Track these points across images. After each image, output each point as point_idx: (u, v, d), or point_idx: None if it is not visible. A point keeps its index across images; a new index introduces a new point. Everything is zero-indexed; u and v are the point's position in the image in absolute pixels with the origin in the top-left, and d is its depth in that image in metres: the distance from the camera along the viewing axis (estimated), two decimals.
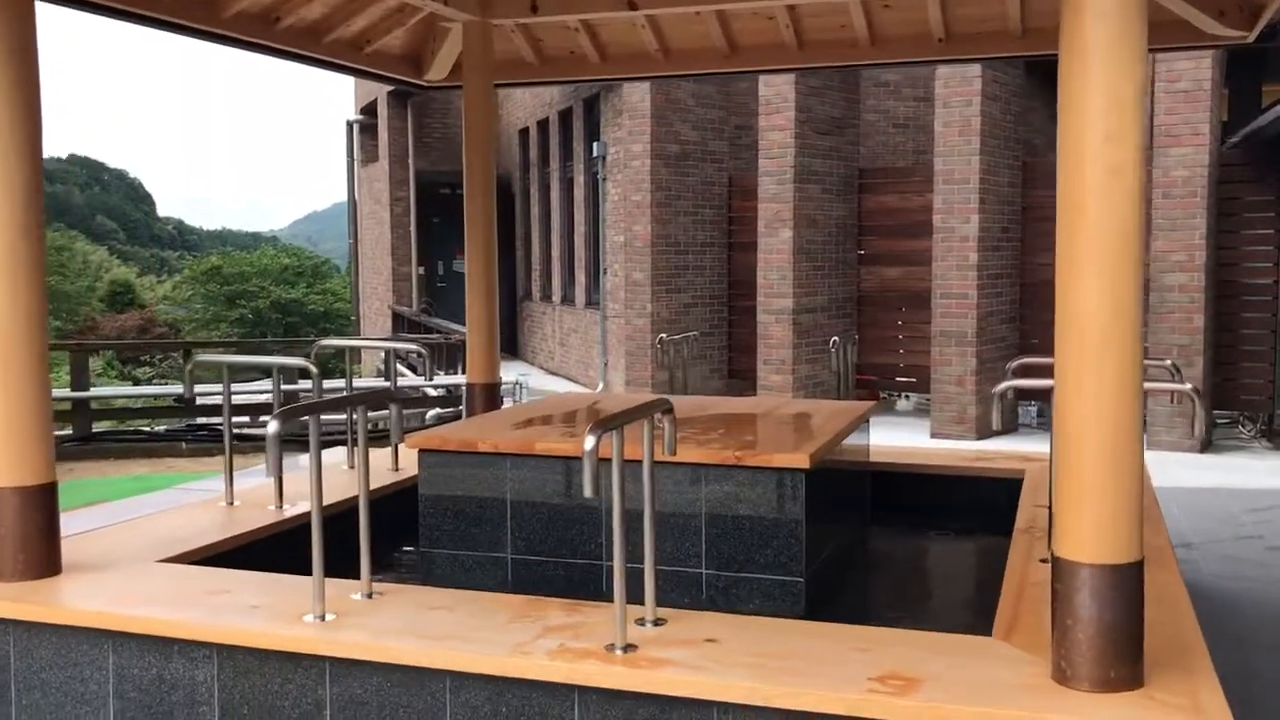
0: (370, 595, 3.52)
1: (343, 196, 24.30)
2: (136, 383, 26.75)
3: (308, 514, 4.79)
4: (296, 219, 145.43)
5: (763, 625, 3.23)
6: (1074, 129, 2.72)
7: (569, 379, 16.95)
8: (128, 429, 11.47)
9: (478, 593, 3.56)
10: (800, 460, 3.86)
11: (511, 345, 20.68)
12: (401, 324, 19.58)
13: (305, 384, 14.79)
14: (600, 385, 15.32)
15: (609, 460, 3.02)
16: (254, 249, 56.19)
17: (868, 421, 5.09)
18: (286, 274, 44.79)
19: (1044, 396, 4.74)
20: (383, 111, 21.32)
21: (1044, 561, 3.87)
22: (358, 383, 15.91)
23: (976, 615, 3.95)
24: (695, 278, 13.23)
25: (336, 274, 48.42)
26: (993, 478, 5.59)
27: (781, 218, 11.55)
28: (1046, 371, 5.86)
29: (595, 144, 15.10)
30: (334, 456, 7.28)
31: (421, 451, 4.35)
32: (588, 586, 4.15)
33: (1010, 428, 11.20)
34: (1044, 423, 11.65)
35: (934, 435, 10.72)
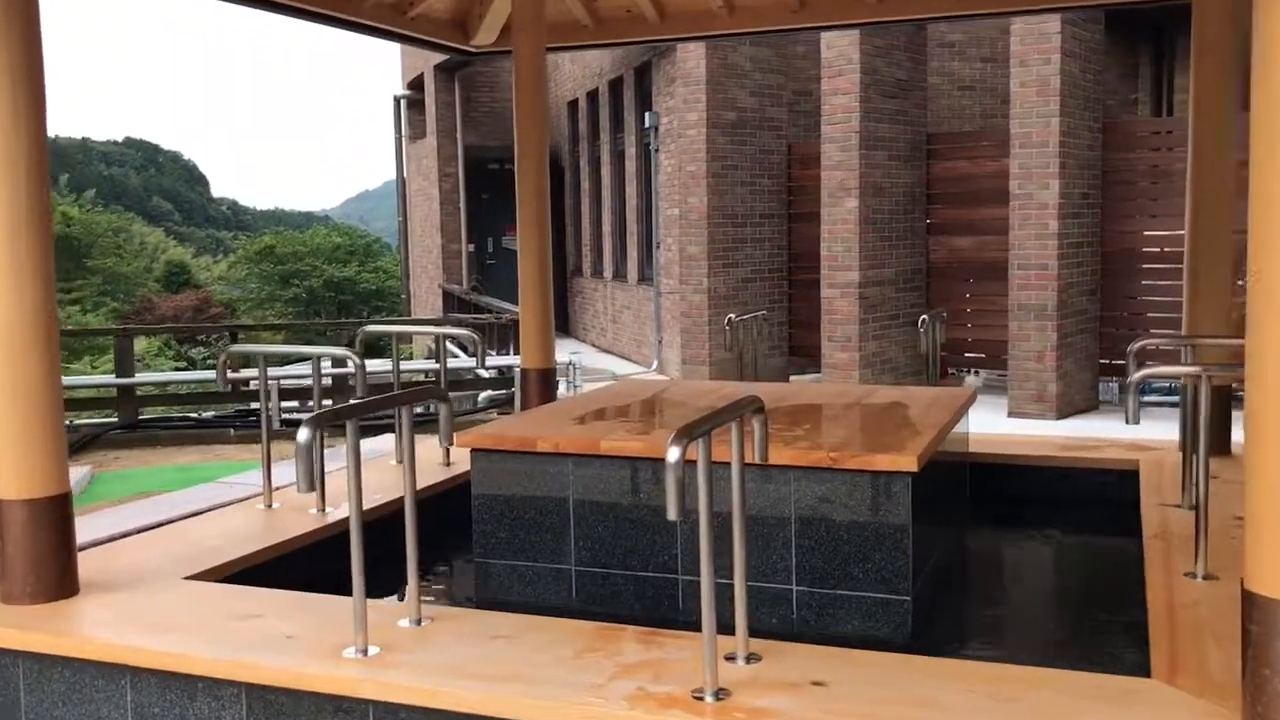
0: (419, 621, 3.09)
1: (394, 175, 23.99)
2: (191, 364, 26.75)
3: (369, 510, 4.40)
4: (348, 198, 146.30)
5: (876, 662, 2.75)
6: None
7: (622, 357, 16.51)
8: (175, 415, 11.18)
9: (541, 619, 3.12)
10: (907, 462, 3.37)
11: (563, 322, 20.27)
12: (451, 303, 19.22)
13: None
14: (654, 364, 14.86)
15: (692, 463, 2.56)
16: (306, 228, 56.50)
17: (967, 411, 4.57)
18: (339, 253, 45.01)
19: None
20: (430, 85, 20.90)
21: (1189, 577, 3.35)
22: (407, 366, 15.56)
23: (1116, 641, 3.44)
24: (754, 251, 12.69)
25: (388, 252, 48.49)
26: (1102, 469, 5.06)
27: (846, 186, 10.97)
28: (1170, 355, 5.30)
29: (647, 114, 14.57)
30: (384, 444, 6.90)
31: (474, 451, 3.91)
32: (661, 603, 3.70)
33: (1091, 405, 10.58)
34: None
35: (1011, 414, 10.14)
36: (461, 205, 20.43)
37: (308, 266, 43.50)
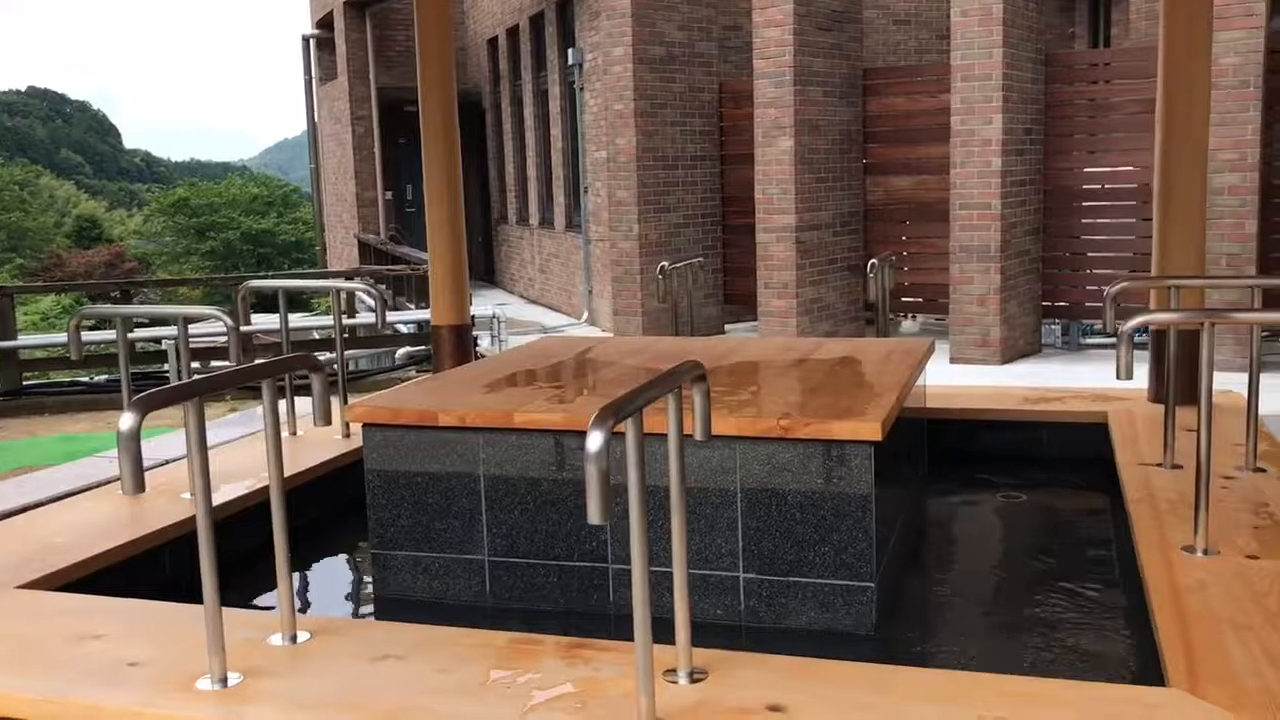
0: (294, 638, 2.56)
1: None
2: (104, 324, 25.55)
3: (233, 502, 3.84)
4: (267, 147, 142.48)
5: (845, 677, 2.28)
6: None
7: (551, 308, 15.92)
8: (64, 380, 10.37)
9: (440, 631, 2.61)
10: (869, 429, 2.89)
11: (488, 272, 19.58)
12: (368, 254, 18.41)
13: (301, 319, 13.56)
14: (584, 315, 14.31)
15: (619, 436, 2.04)
16: (224, 179, 54.76)
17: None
18: (256, 204, 44.09)
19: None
20: (339, 23, 19.85)
21: (1187, 551, 2.94)
22: (314, 321, 14.84)
23: (1114, 629, 3.02)
24: (686, 195, 12.14)
25: (307, 202, 47.33)
26: (1067, 422, 4.66)
27: (780, 124, 10.45)
28: (1146, 297, 4.89)
29: (570, 50, 13.88)
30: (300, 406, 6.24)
31: (366, 427, 3.36)
32: (589, 595, 3.20)
33: (1033, 349, 10.27)
34: (1069, 343, 10.72)
35: (954, 360, 9.78)
36: (376, 150, 19.53)
37: (224, 219, 42.50)
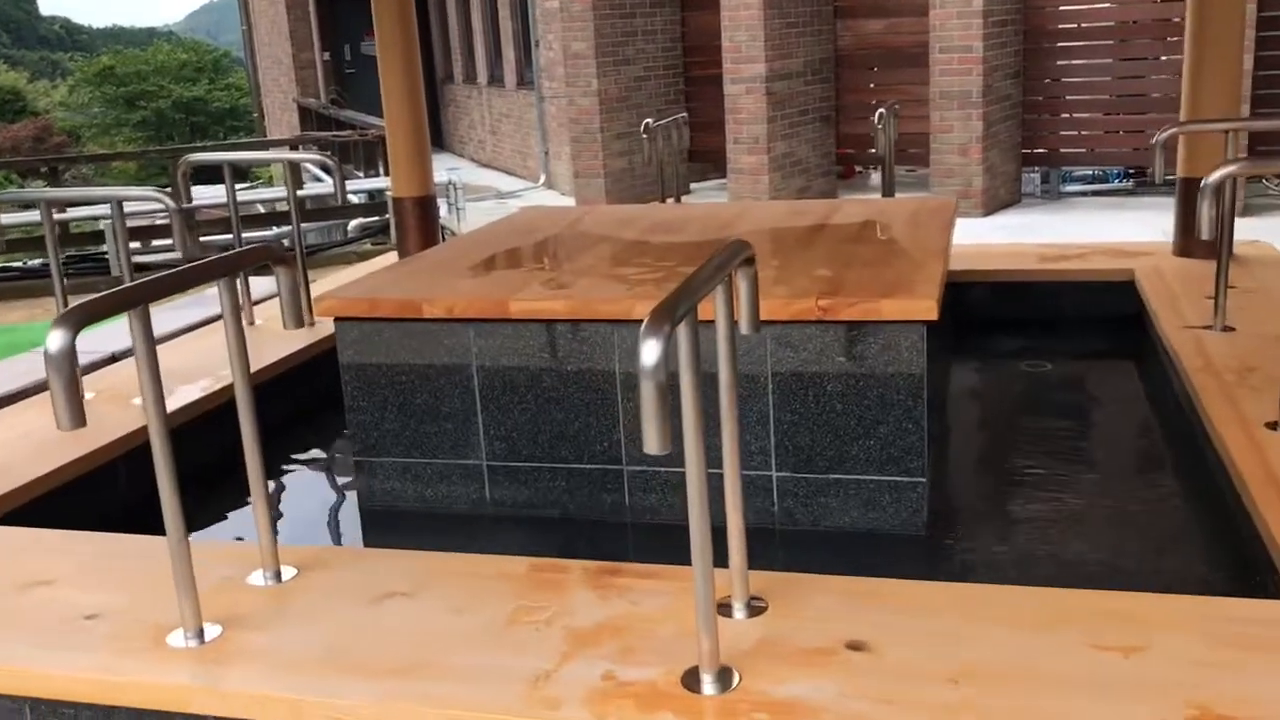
0: (278, 575, 2.21)
1: None
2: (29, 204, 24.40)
3: (196, 403, 3.44)
4: (192, 10, 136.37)
5: (925, 597, 1.98)
6: None
7: (505, 171, 15.29)
8: None
9: (449, 558, 2.27)
10: (924, 308, 2.54)
11: (436, 135, 18.76)
12: (309, 119, 17.53)
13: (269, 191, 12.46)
14: (541, 178, 13.73)
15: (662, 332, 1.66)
16: (149, 45, 52.41)
17: None
18: (186, 71, 42.44)
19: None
20: None
21: (1271, 428, 2.64)
22: (258, 194, 14.09)
23: (1201, 522, 2.74)
24: (645, 45, 11.48)
25: (240, 67, 45.57)
26: (1092, 280, 4.34)
27: None
28: (1211, 142, 4.49)
29: None
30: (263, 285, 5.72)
31: (339, 322, 2.95)
32: (603, 502, 2.87)
33: (1014, 199, 9.94)
34: (1049, 191, 10.39)
35: None
36: (311, 8, 18.42)
37: (154, 87, 40.87)
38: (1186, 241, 4.38)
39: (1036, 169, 10.34)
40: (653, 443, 1.51)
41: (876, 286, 2.67)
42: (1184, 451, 3.02)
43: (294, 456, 3.49)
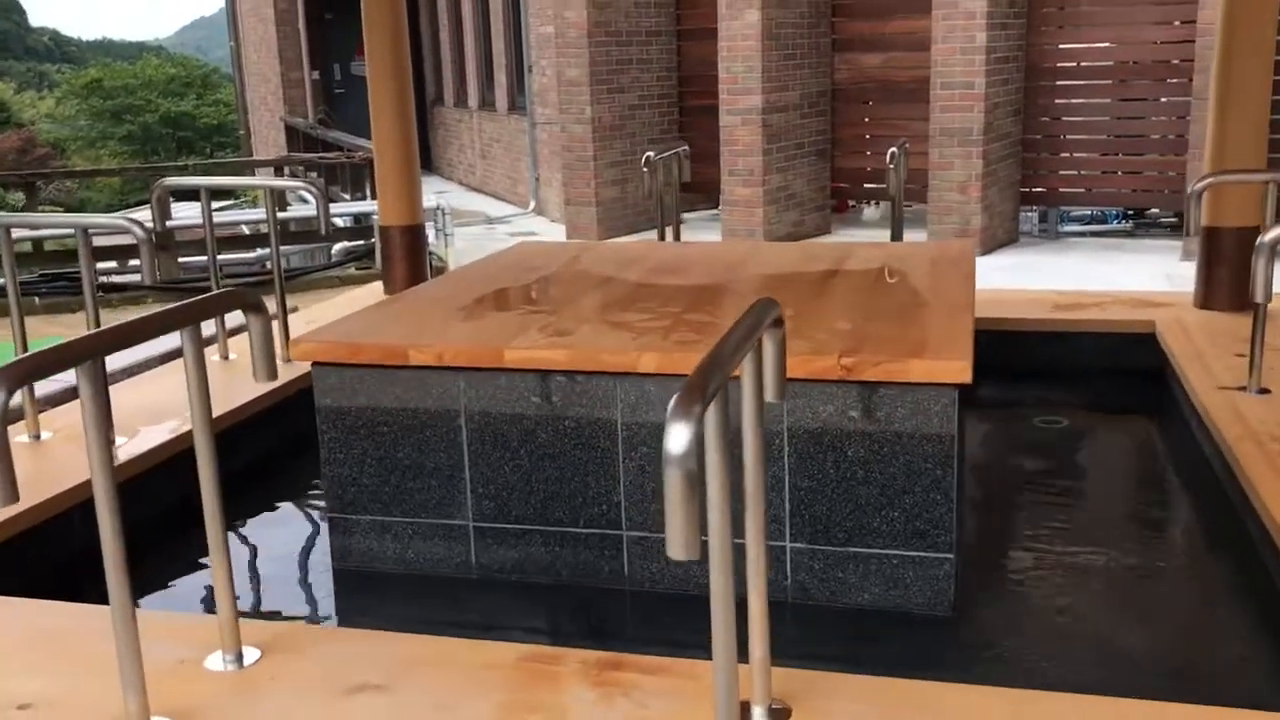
0: (239, 658, 1.97)
1: None
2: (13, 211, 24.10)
3: (164, 445, 3.19)
4: (183, 25, 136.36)
5: (968, 703, 1.75)
6: None
7: (495, 196, 15.08)
8: None
9: (429, 642, 2.03)
10: (957, 370, 2.32)
11: (424, 157, 18.55)
12: (296, 139, 17.29)
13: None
14: (531, 204, 13.53)
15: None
16: (138, 59, 52.21)
17: None
18: (174, 85, 42.22)
19: None
20: None
21: None
22: (241, 215, 13.82)
23: (1263, 619, 2.52)
24: (641, 74, 11.31)
25: (228, 84, 45.45)
26: (1110, 332, 4.14)
27: None
28: (1239, 192, 4.29)
29: None
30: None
31: (317, 366, 2.71)
32: (598, 569, 2.64)
33: (1011, 238, 9.78)
34: (1047, 231, 10.24)
35: None
36: (301, 27, 18.24)
37: (141, 100, 40.63)
38: (1209, 293, 4.20)
39: (1034, 208, 10.20)
40: (678, 546, 1.29)
41: (904, 344, 2.45)
42: (1226, 525, 2.81)
43: (266, 508, 3.24)
